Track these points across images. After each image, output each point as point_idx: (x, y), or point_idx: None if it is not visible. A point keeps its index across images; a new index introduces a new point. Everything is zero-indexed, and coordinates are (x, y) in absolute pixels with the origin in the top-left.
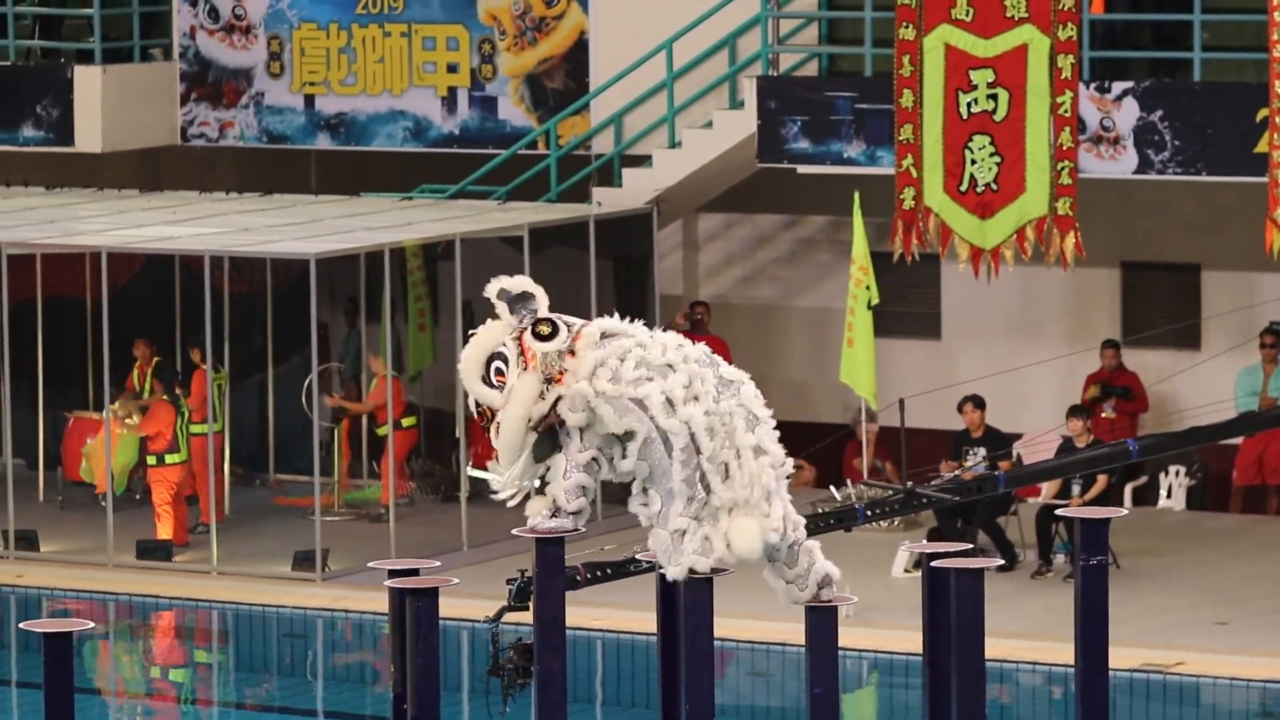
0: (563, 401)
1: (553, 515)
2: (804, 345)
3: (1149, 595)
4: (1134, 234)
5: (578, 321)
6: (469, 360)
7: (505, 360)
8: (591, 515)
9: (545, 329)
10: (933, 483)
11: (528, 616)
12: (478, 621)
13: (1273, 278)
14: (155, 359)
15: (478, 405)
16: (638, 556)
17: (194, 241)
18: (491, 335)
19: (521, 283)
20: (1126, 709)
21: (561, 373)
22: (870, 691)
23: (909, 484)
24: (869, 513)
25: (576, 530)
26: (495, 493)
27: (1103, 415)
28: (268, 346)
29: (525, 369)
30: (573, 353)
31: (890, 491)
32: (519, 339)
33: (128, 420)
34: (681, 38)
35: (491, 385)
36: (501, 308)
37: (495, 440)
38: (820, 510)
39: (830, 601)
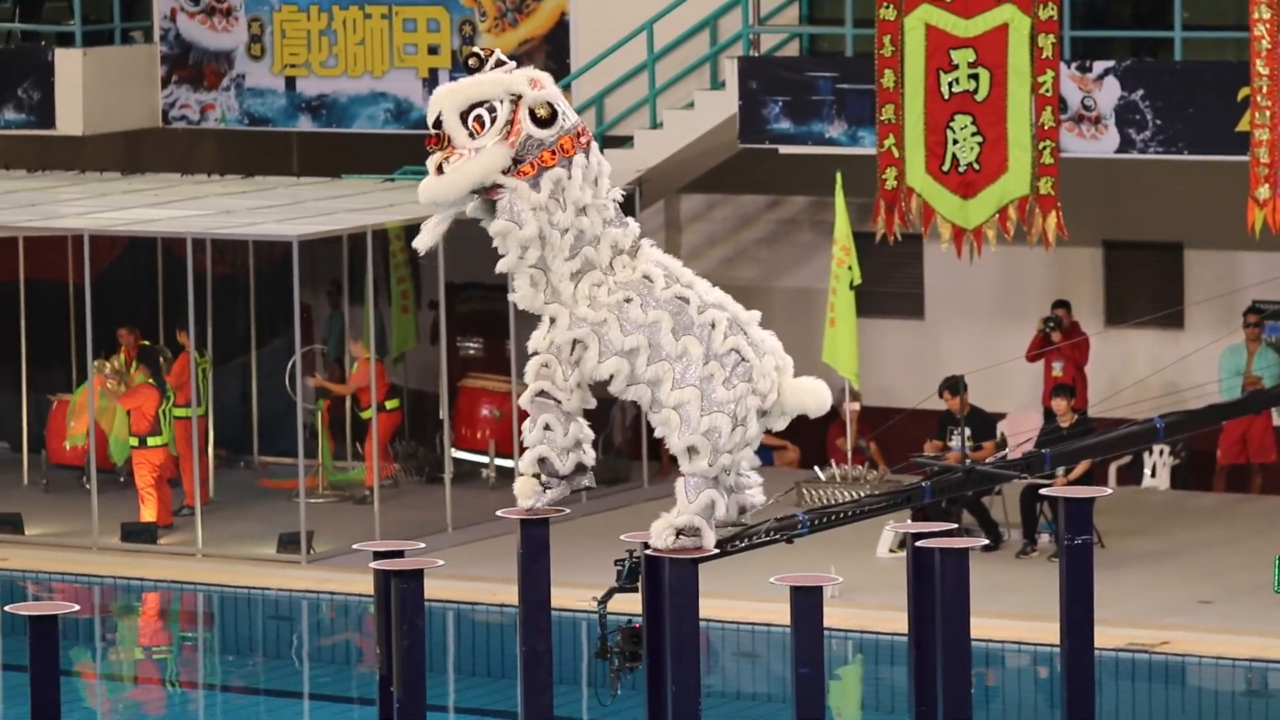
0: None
1: (545, 488)
2: (786, 326)
3: (1134, 574)
4: (1116, 213)
5: (576, 120)
6: (460, 88)
7: (493, 115)
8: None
9: (544, 112)
10: (991, 464)
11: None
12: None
13: (1254, 256)
14: (140, 344)
15: (437, 126)
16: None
17: (176, 224)
18: (495, 84)
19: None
20: (1112, 688)
21: (531, 164)
22: (855, 672)
23: (968, 462)
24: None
25: (560, 511)
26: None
27: (1050, 334)
28: (250, 328)
29: (506, 138)
30: (553, 153)
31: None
32: (516, 104)
33: (109, 384)
34: (662, 19)
35: (464, 123)
36: (517, 72)
37: (434, 177)
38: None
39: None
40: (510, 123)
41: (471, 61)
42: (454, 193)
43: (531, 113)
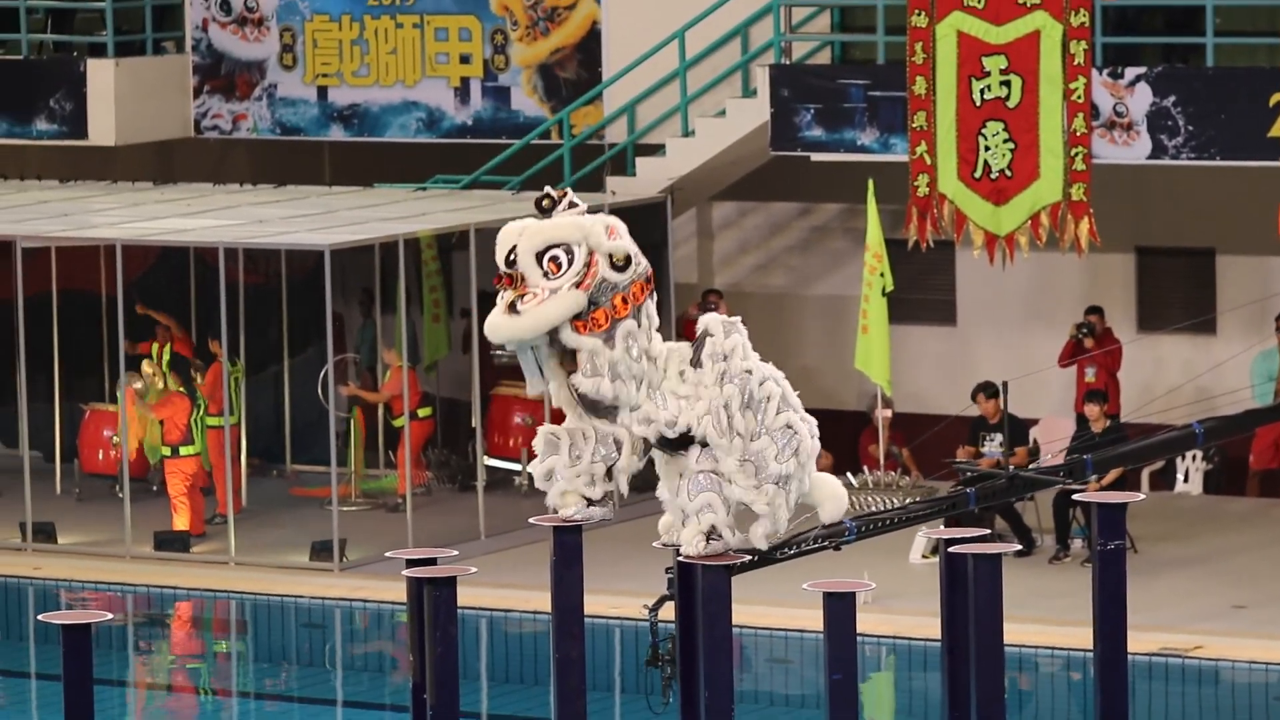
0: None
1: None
2: (819, 333)
3: (1166, 579)
4: (1148, 219)
5: (646, 266)
6: (538, 229)
7: (570, 258)
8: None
9: (620, 259)
10: (1034, 469)
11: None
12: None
13: None
14: (167, 345)
15: (509, 265)
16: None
17: (208, 233)
18: (574, 228)
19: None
20: (1145, 693)
21: (604, 312)
22: (888, 677)
23: (1011, 468)
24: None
25: (590, 520)
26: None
27: (1083, 340)
28: (283, 338)
29: (581, 284)
30: (625, 301)
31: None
32: (593, 251)
33: (138, 390)
34: (693, 27)
35: (538, 263)
36: (593, 219)
37: (507, 317)
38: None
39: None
40: (587, 265)
41: (545, 203)
42: (528, 334)
43: (609, 258)
